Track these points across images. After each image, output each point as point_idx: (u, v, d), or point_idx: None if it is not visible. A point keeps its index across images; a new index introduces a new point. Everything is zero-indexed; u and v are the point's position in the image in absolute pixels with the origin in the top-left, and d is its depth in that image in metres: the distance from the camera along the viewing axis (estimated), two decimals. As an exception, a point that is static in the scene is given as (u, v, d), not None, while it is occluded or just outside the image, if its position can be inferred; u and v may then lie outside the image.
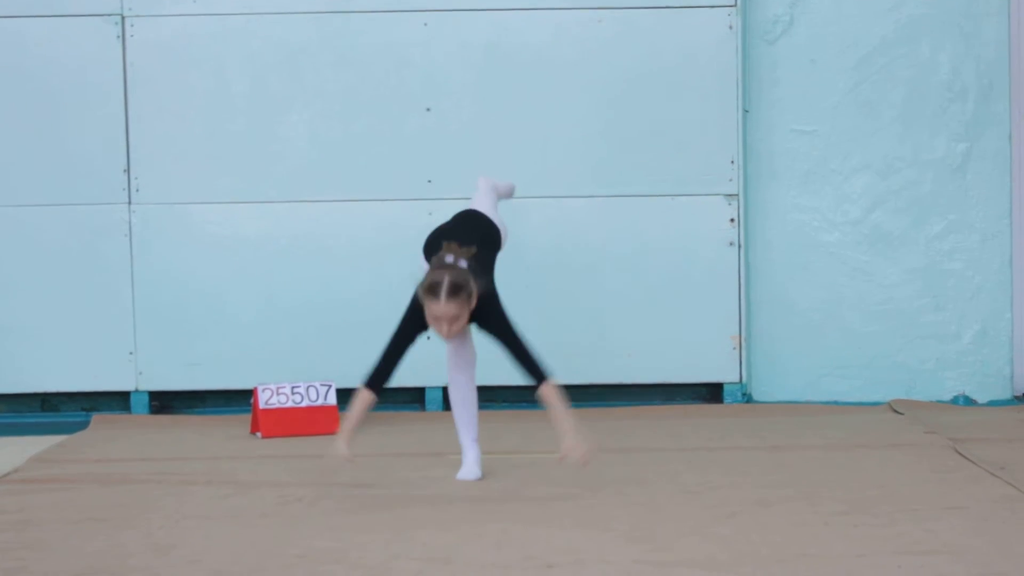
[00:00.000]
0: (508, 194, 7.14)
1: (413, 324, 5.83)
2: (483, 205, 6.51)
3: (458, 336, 5.86)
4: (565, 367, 8.34)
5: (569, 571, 4.55)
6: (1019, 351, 8.58)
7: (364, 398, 5.78)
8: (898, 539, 4.97)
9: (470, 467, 6.10)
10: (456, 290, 5.55)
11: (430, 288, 5.59)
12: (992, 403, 8.49)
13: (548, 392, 5.71)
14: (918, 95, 8.47)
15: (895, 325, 8.52)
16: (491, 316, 5.80)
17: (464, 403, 6.17)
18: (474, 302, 5.63)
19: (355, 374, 8.23)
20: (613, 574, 4.53)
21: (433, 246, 6.04)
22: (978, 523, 5.20)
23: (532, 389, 5.78)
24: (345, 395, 8.01)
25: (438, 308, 5.57)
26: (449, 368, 6.21)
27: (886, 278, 8.52)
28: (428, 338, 8.37)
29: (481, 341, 6.09)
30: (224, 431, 7.75)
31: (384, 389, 5.85)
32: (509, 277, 8.33)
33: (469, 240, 5.88)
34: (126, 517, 5.56)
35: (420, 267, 6.12)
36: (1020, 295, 8.57)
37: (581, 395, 8.43)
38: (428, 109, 8.38)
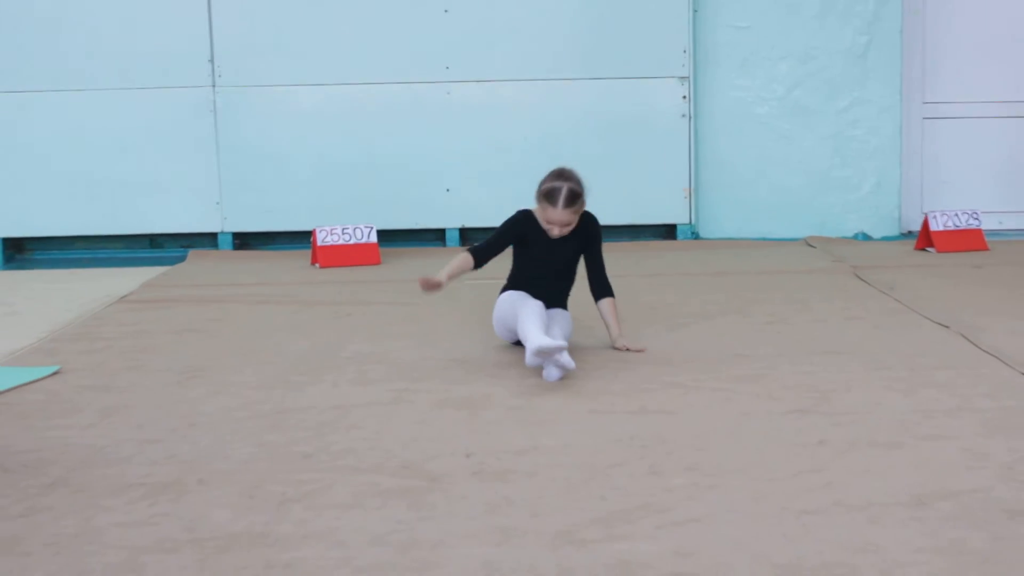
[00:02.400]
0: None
1: (511, 233, 4.81)
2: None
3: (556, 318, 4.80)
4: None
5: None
6: (905, 198, 8.58)
7: (465, 259, 4.76)
8: (811, 342, 4.99)
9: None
10: (573, 199, 4.65)
11: (548, 194, 4.65)
12: (885, 238, 8.48)
13: (611, 304, 4.91)
14: (830, -2, 8.37)
15: (810, 179, 8.49)
16: (595, 235, 4.88)
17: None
18: (583, 208, 4.75)
19: (390, 217, 8.30)
20: (587, 367, 4.55)
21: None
22: (872, 330, 5.22)
23: (595, 296, 4.96)
24: (383, 235, 8.09)
25: (555, 214, 4.64)
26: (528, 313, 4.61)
27: (804, 142, 8.47)
28: (448, 190, 8.37)
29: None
30: (290, 263, 7.75)
31: (481, 264, 4.80)
32: (505, 145, 8.33)
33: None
34: (216, 329, 5.58)
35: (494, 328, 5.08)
36: (907, 155, 8.56)
37: (566, 234, 8.44)
38: (446, 11, 8.25)
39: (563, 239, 4.79)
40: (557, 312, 4.86)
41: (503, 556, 2.78)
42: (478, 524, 2.97)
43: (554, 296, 4.92)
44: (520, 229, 4.82)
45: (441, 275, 4.73)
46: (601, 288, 4.94)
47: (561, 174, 4.72)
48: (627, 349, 4.86)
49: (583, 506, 3.08)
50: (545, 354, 4.28)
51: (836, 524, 2.93)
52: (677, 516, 3.00)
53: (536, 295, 4.81)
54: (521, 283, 4.87)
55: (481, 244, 4.86)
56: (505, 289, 4.95)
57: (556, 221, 4.69)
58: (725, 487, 3.20)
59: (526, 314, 4.52)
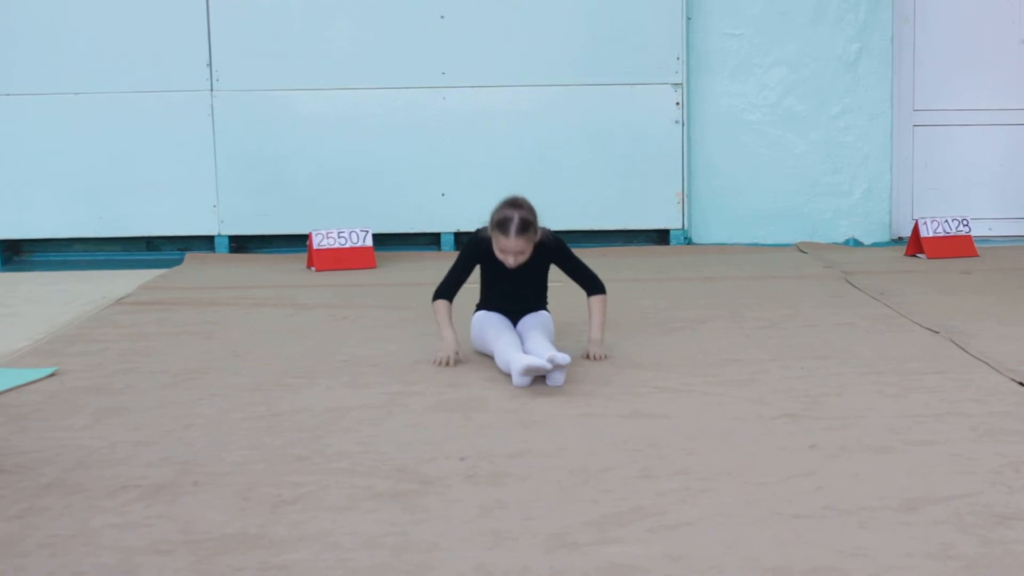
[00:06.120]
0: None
1: (471, 259, 4.82)
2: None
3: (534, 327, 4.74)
4: (549, 217, 8.34)
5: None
6: (896, 204, 8.60)
7: (442, 304, 4.76)
8: (802, 347, 4.98)
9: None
10: (525, 227, 4.59)
11: (500, 224, 4.61)
12: (875, 244, 8.49)
13: (599, 301, 4.88)
14: (822, 5, 8.36)
15: (802, 184, 8.50)
16: (559, 250, 4.85)
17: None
18: (538, 237, 4.68)
19: (386, 222, 8.29)
20: (580, 370, 4.54)
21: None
22: (863, 335, 5.22)
23: (587, 293, 4.94)
24: (379, 238, 8.08)
25: (508, 243, 4.61)
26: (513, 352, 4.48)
27: (795, 148, 8.47)
28: (443, 195, 8.37)
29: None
30: (286, 266, 7.74)
31: (453, 298, 4.80)
32: (500, 150, 8.32)
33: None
34: (212, 331, 5.56)
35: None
36: (897, 161, 8.57)
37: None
38: (442, 16, 8.25)
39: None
40: (532, 317, 4.83)
41: (496, 559, 2.77)
42: (472, 527, 2.97)
43: (528, 305, 4.88)
44: (474, 252, 4.80)
45: (447, 336, 4.72)
46: (592, 286, 4.92)
47: (513, 203, 4.65)
48: (592, 356, 4.74)
49: (576, 509, 3.08)
50: (533, 371, 4.28)
51: (826, 528, 2.92)
52: (669, 519, 2.99)
53: (508, 309, 4.83)
54: (491, 301, 4.86)
55: (444, 281, 4.82)
56: (478, 308, 4.94)
57: (509, 250, 4.64)
58: (716, 491, 3.20)
59: (501, 346, 4.51)
